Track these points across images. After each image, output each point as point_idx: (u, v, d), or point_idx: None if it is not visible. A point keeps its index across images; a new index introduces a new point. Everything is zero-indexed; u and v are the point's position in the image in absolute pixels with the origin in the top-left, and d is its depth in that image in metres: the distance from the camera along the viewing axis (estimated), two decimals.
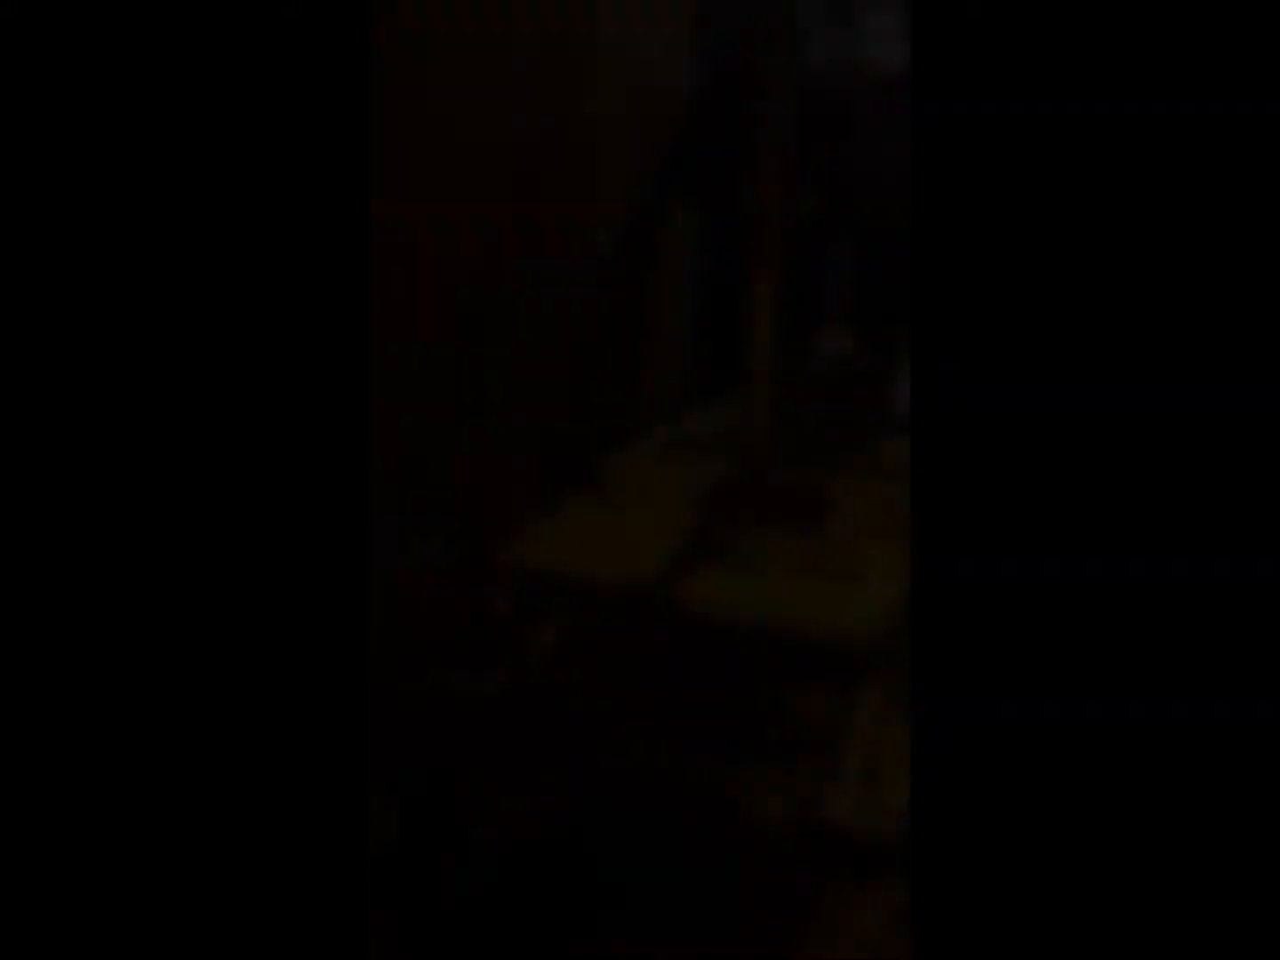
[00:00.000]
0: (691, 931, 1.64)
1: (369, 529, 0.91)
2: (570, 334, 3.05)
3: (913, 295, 0.85)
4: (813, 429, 2.37)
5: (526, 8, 2.51)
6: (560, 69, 2.73)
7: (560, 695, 1.99)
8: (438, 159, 2.33)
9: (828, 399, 2.32)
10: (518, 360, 2.77)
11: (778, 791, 1.79)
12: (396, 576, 1.89)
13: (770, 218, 1.90)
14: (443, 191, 2.39)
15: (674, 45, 3.42)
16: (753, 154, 1.91)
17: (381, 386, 2.25)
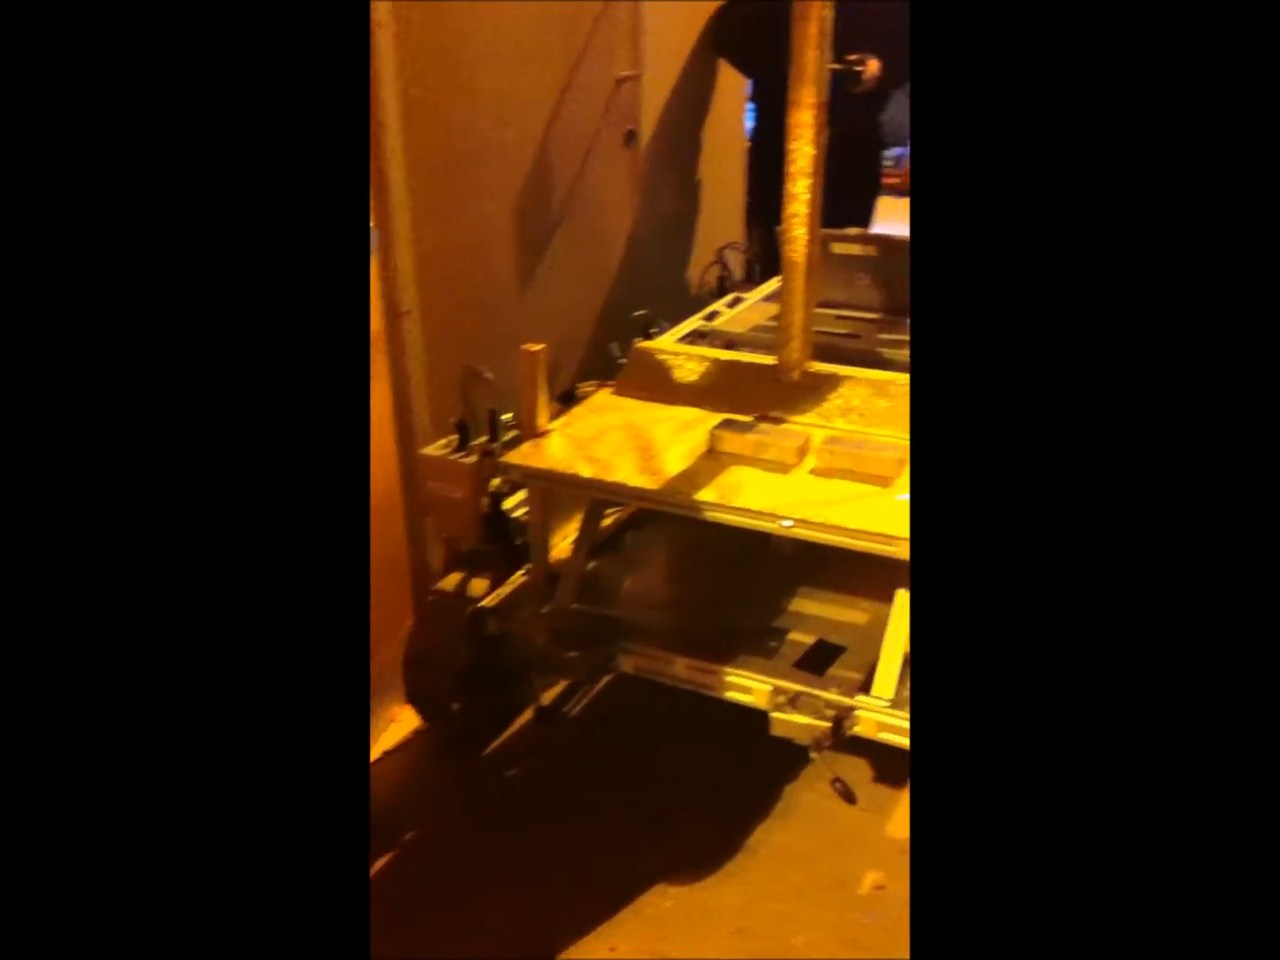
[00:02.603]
0: None
1: (367, 524, 0.96)
2: (613, 220, 2.89)
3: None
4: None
5: None
6: None
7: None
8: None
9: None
10: (566, 260, 2.64)
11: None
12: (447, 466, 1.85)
13: (809, 71, 1.67)
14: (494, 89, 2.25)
15: None
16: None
17: (462, 302, 2.22)
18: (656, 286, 3.04)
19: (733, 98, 3.36)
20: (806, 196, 1.76)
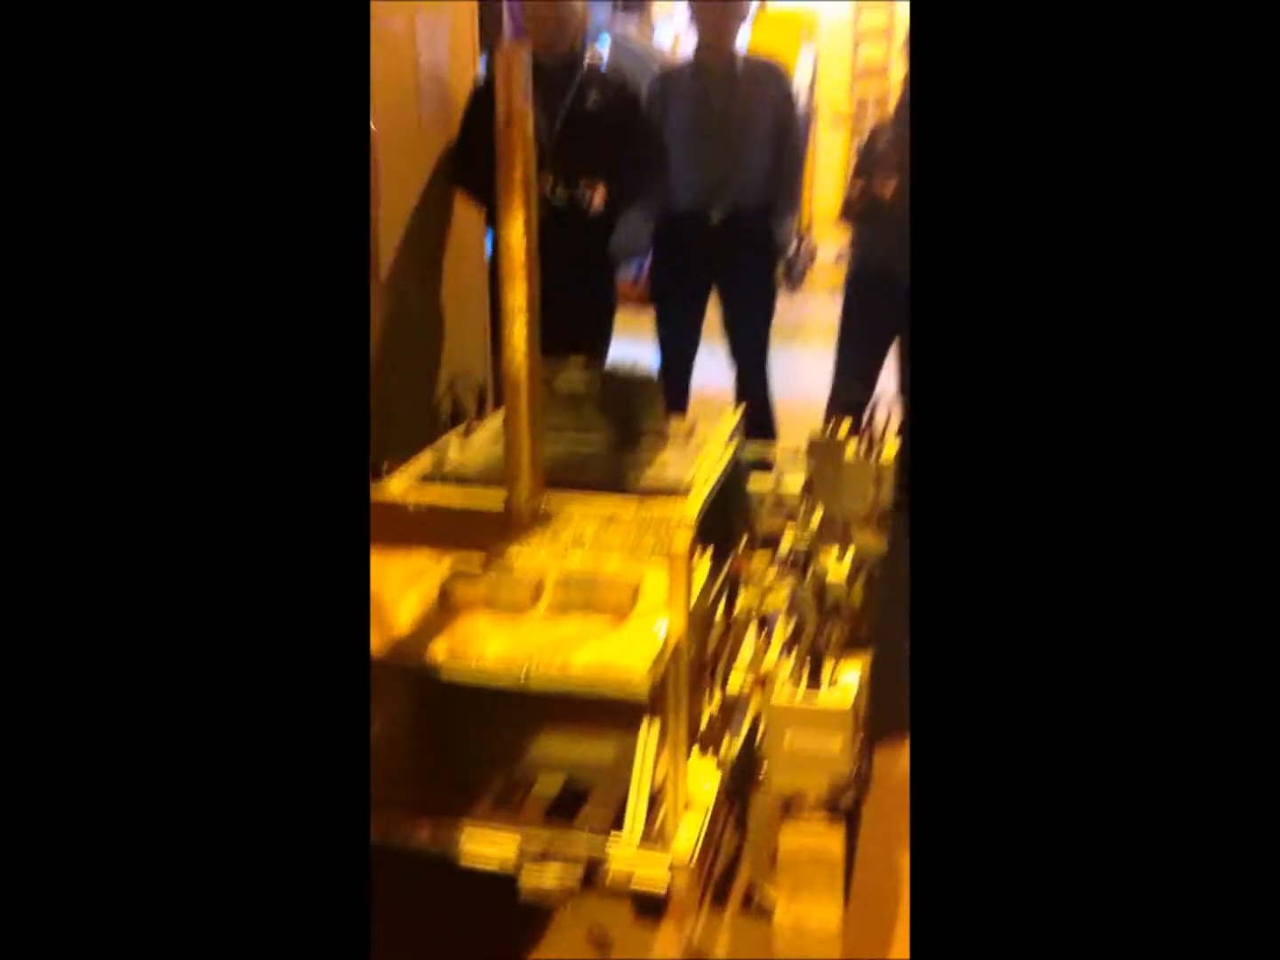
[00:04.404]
0: None
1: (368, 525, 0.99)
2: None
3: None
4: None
5: None
6: None
7: None
8: None
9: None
10: None
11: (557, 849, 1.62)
12: None
13: (516, 212, 1.68)
14: None
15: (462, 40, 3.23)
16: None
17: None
18: (401, 418, 2.97)
19: (473, 226, 3.39)
20: (524, 334, 1.75)
